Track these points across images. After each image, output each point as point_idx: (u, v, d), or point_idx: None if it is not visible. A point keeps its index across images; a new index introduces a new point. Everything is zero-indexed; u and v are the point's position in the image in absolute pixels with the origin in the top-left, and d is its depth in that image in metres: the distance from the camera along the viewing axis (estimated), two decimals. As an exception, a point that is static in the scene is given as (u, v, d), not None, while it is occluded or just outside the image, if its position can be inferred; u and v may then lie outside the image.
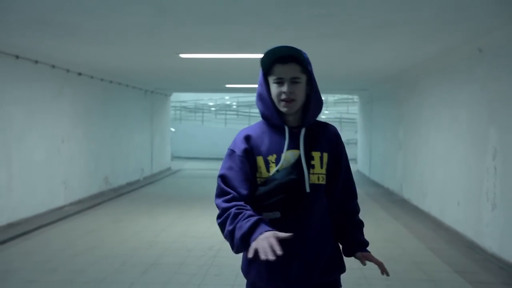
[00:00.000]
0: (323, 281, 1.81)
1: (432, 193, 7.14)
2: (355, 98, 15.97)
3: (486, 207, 5.14)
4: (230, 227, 1.67)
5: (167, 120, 14.91)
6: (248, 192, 1.76)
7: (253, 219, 1.64)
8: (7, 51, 6.08)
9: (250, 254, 1.53)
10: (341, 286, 1.90)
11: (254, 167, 1.80)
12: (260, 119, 1.92)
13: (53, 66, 7.31)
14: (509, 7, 4.10)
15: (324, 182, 1.82)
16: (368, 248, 1.90)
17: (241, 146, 1.81)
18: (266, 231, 1.57)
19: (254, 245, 1.54)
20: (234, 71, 8.55)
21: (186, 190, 10.58)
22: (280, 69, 1.76)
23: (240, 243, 1.64)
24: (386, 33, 5.18)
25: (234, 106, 23.34)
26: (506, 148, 4.76)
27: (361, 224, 1.95)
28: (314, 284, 1.80)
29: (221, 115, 21.49)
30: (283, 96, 1.75)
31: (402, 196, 8.88)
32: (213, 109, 22.61)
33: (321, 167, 1.82)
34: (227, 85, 11.60)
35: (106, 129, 9.66)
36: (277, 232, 1.57)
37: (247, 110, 21.82)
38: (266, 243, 1.51)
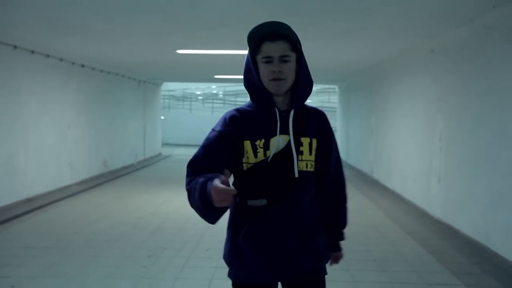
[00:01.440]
0: (312, 268, 1.79)
1: (395, 172, 8.22)
2: (336, 88, 16.96)
3: (433, 181, 6.21)
4: (192, 199, 1.66)
5: (158, 109, 15.76)
6: (217, 169, 1.63)
7: (200, 182, 1.60)
8: (25, 47, 6.90)
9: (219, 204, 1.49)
10: (326, 273, 1.88)
11: (240, 151, 1.71)
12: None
13: (61, 59, 8.15)
14: (452, 18, 5.08)
15: (312, 169, 1.76)
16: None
17: (223, 128, 1.73)
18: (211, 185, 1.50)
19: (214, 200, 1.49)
20: (223, 63, 9.45)
21: (177, 173, 11.46)
22: (269, 47, 1.67)
23: (203, 209, 1.62)
24: (356, 36, 6.16)
25: (221, 95, 24.22)
26: (449, 131, 5.81)
27: (343, 222, 1.94)
28: (302, 272, 1.76)
29: (208, 104, 22.36)
30: (273, 75, 1.66)
31: (373, 177, 9.96)
32: (200, 98, 23.45)
33: (310, 154, 1.74)
34: (216, 76, 12.51)
35: (105, 116, 10.51)
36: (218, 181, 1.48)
37: (233, 99, 22.75)
38: (218, 195, 1.45)
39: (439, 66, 6.25)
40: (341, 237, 1.94)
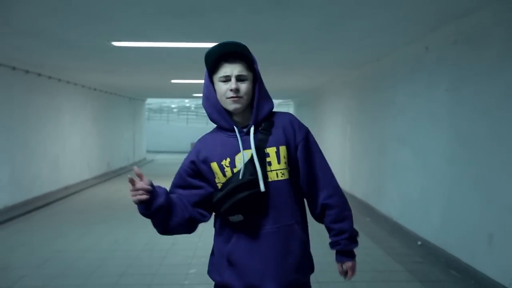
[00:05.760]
0: (292, 279, 1.74)
1: (328, 166, 11.48)
2: (291, 102, 20.24)
3: (346, 168, 9.49)
4: None
5: (143, 120, 18.66)
6: (189, 198, 1.81)
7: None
8: (64, 79, 9.80)
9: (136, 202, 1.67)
10: (310, 287, 1.87)
11: (211, 174, 1.78)
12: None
13: (83, 86, 11.04)
14: (348, 65, 8.29)
15: (286, 177, 1.74)
16: None
17: (190, 158, 1.84)
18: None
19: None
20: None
21: (165, 172, 14.40)
22: (226, 67, 1.71)
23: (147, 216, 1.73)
24: (293, 73, 9.36)
25: (193, 108, 27.18)
26: (353, 135, 9.08)
27: (343, 227, 1.81)
28: (284, 283, 1.72)
29: (183, 116, 25.29)
30: (230, 94, 1.70)
31: (316, 171, 13.20)
32: (175, 110, 26.35)
33: (279, 162, 1.73)
34: (194, 94, 15.56)
35: (108, 127, 13.39)
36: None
37: (205, 111, 25.79)
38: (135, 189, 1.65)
39: (348, 93, 9.55)
40: (342, 245, 1.81)
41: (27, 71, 8.11)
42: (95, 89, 11.97)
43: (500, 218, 3.90)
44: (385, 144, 7.02)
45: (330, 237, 1.86)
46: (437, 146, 5.15)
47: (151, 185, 1.69)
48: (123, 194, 9.61)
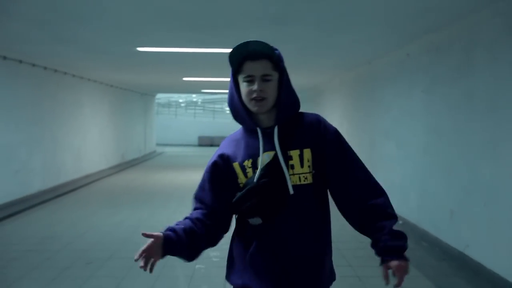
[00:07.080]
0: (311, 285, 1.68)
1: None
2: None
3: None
4: None
5: (153, 115, 19.61)
6: (212, 202, 1.74)
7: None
8: (86, 77, 10.73)
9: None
10: None
11: (232, 175, 1.72)
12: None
13: (101, 83, 11.97)
14: (343, 67, 9.16)
15: (309, 182, 1.65)
16: None
17: (212, 159, 1.79)
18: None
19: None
20: (213, 84, 13.43)
21: (174, 163, 15.42)
22: (250, 66, 1.64)
23: None
24: (296, 72, 10.21)
25: (199, 102, 28.09)
26: (349, 131, 9.96)
27: (386, 225, 1.62)
28: None
29: (190, 110, 26.21)
30: (254, 95, 1.64)
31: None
32: (182, 105, 27.28)
33: (302, 166, 1.66)
34: (203, 90, 16.47)
35: (122, 121, 14.33)
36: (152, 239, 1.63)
37: (212, 106, 26.70)
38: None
39: (345, 91, 10.43)
40: (382, 241, 1.60)
41: (55, 70, 9.05)
42: (111, 86, 12.90)
43: (458, 197, 4.80)
44: (374, 138, 7.91)
45: (371, 238, 1.67)
46: (415, 139, 6.04)
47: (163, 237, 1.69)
48: (139, 183, 10.56)
